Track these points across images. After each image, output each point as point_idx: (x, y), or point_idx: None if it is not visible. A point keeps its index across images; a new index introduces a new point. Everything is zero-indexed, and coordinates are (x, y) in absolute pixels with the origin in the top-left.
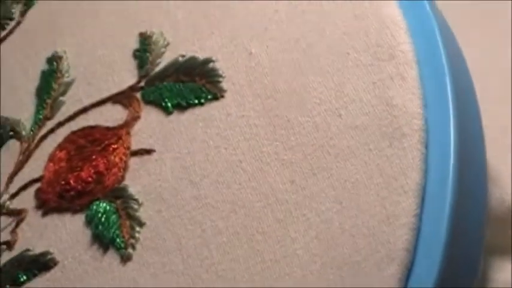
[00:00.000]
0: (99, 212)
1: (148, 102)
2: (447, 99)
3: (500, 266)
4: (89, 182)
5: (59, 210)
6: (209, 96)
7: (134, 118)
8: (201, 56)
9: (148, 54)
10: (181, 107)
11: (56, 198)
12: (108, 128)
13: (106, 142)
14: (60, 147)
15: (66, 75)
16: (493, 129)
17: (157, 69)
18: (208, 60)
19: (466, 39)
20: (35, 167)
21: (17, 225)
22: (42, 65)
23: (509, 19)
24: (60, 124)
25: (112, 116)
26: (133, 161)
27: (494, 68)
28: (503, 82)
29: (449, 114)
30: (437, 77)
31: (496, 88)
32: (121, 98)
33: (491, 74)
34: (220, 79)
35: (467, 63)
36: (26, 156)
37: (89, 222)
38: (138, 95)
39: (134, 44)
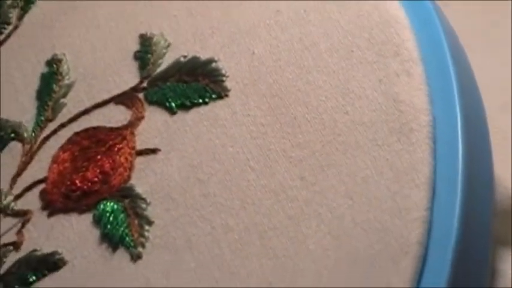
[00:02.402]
0: (107, 211)
1: (151, 102)
2: (453, 95)
3: (504, 257)
4: (95, 182)
5: (65, 210)
6: (213, 96)
7: (138, 118)
8: (202, 56)
9: (149, 55)
10: (185, 107)
11: (61, 199)
12: (111, 129)
13: (110, 142)
14: (63, 148)
15: (67, 77)
16: (493, 136)
17: (159, 70)
18: (210, 60)
19: (466, 45)
20: (38, 168)
21: (23, 226)
22: (42, 68)
23: (509, 25)
24: (63, 126)
25: (114, 116)
26: (138, 161)
27: (494, 74)
28: (503, 88)
29: (456, 109)
30: (442, 73)
31: (497, 94)
32: (123, 98)
33: (491, 80)
34: (224, 78)
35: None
36: (28, 157)
37: (97, 221)
38: (141, 95)
39: (134, 45)
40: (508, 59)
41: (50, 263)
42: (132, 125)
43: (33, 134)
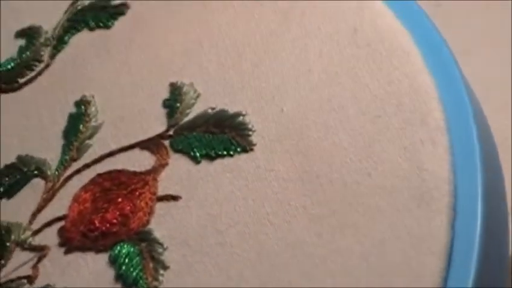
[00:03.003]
0: (123, 253)
1: (176, 150)
2: (476, 166)
3: None
4: (114, 224)
5: (82, 249)
6: (238, 149)
7: (162, 165)
8: (231, 109)
9: (178, 104)
10: (209, 157)
11: (79, 237)
12: (134, 173)
13: (132, 186)
14: (85, 188)
15: (94, 119)
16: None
17: (187, 119)
18: (238, 114)
19: (466, 45)
20: (59, 206)
21: (39, 260)
22: (70, 108)
23: (509, 25)
24: (87, 166)
25: (139, 161)
26: (159, 206)
27: (494, 76)
28: (503, 88)
29: (477, 180)
30: (467, 143)
31: (497, 94)
32: (149, 144)
33: (491, 80)
34: (250, 133)
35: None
36: (50, 194)
37: (112, 262)
38: (167, 143)
39: (164, 93)
40: (508, 59)
41: None
42: (155, 171)
43: (56, 173)
